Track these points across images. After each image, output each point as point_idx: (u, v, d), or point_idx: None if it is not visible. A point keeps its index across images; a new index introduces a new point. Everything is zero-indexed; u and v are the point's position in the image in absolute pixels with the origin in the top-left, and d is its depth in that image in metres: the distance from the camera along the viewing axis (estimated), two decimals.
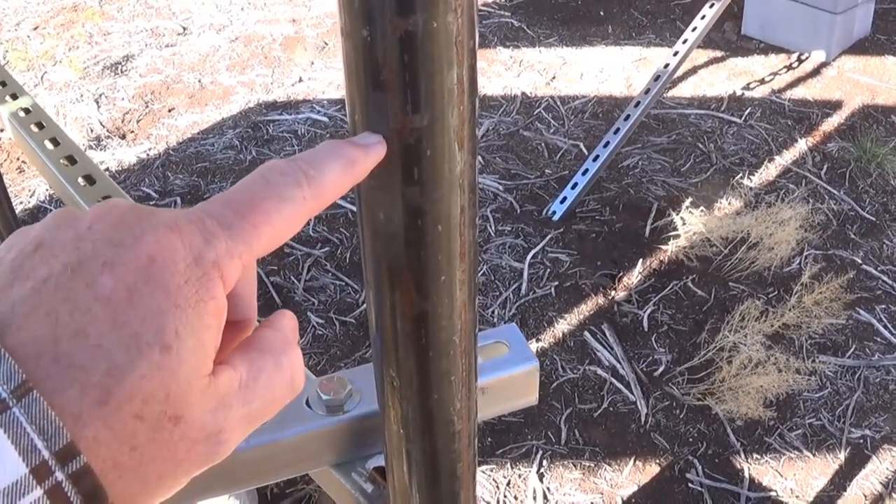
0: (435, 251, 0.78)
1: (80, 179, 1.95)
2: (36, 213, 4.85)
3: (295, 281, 4.48)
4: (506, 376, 1.32)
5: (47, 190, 4.97)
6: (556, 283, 4.52)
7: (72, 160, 1.99)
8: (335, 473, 1.31)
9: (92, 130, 5.52)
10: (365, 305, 4.31)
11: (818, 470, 3.78)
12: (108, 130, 5.51)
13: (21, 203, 4.96)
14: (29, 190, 5.03)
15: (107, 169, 5.18)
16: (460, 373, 0.91)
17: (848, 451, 3.86)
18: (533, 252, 4.68)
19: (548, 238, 4.76)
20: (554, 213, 4.89)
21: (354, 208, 4.46)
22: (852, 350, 4.26)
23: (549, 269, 4.59)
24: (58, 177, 1.96)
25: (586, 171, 4.97)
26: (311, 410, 1.26)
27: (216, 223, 0.58)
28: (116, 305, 0.53)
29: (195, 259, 0.56)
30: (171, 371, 0.54)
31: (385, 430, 1.02)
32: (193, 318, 0.55)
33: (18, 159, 5.27)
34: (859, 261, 4.71)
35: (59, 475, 0.50)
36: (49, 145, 2.06)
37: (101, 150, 5.39)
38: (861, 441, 3.90)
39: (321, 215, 4.86)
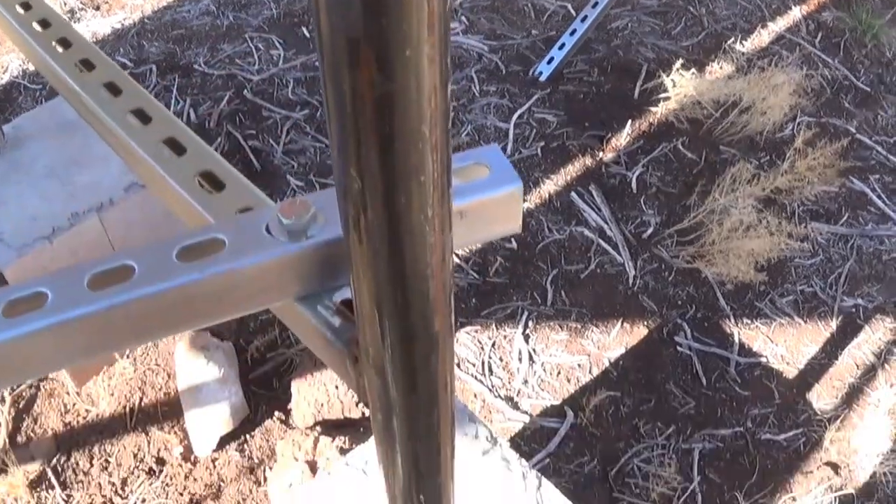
0: (398, 18, 0.64)
1: (54, 43, 1.82)
2: (9, 90, 4.65)
3: (274, 144, 4.32)
4: (486, 199, 1.19)
5: (21, 65, 4.77)
6: (543, 143, 4.38)
7: (45, 24, 1.85)
8: (300, 307, 1.19)
9: (66, 3, 5.31)
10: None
11: (809, 337, 3.70)
12: (81, 2, 5.30)
13: None
14: (2, 66, 4.82)
15: None
16: (431, 172, 0.77)
17: (840, 319, 3.78)
18: (519, 112, 4.53)
19: (534, 98, 4.61)
20: (541, 73, 4.74)
21: None
22: (845, 218, 4.16)
23: (535, 130, 4.45)
24: (32, 44, 1.82)
25: (574, 31, 4.82)
26: (272, 236, 1.13)
27: None
28: None
29: None
30: None
31: (348, 244, 0.88)
32: None
33: None
34: (853, 130, 4.60)
35: None
36: (20, 10, 1.92)
37: (75, 21, 5.18)
38: (853, 310, 3.82)
39: (300, 77, 4.69)
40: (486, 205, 1.19)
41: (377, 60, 0.66)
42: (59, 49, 1.80)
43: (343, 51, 0.67)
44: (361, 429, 3.17)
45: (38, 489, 3.14)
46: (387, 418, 1.12)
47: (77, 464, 3.21)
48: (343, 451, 3.04)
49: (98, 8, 5.27)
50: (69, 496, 3.13)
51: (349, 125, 0.73)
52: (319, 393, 3.20)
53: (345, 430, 3.17)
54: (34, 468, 3.19)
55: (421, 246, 0.85)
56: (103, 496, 3.13)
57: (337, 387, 3.23)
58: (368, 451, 2.49)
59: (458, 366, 3.49)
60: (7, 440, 3.25)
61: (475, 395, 3.42)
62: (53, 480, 3.16)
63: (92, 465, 3.21)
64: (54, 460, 3.21)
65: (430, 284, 0.91)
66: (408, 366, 1.01)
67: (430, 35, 0.67)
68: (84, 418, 3.31)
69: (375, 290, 0.91)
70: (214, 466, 3.20)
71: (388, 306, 0.92)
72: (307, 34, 4.96)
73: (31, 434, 3.27)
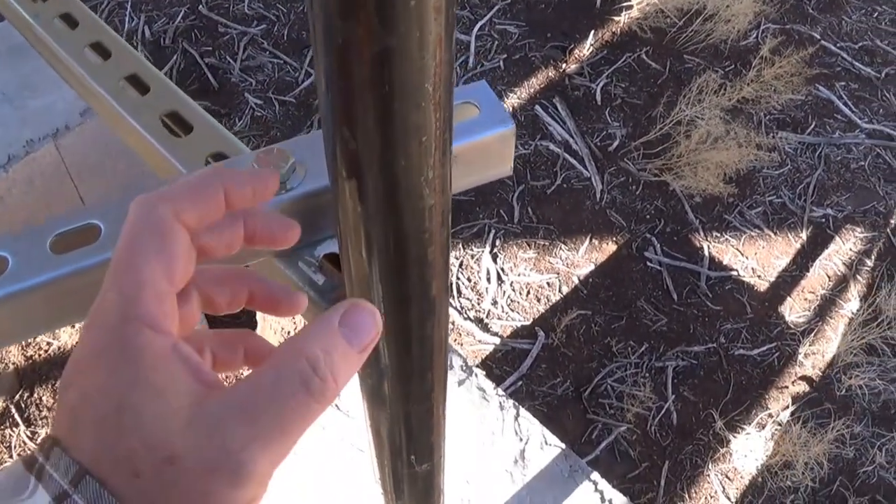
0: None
1: None
2: None
3: (231, 61, 4.21)
4: (477, 141, 1.11)
5: None
6: (505, 55, 4.30)
7: None
8: (279, 264, 1.12)
9: None
10: (308, 79, 4.08)
11: (780, 249, 3.67)
12: None
13: None
14: None
15: None
16: (433, 131, 0.69)
17: (810, 230, 3.75)
18: (480, 24, 4.44)
19: (495, 9, 4.52)
20: None
21: None
22: (812, 127, 4.11)
23: (496, 42, 4.37)
24: None
25: None
26: None
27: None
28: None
29: None
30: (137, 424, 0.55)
31: (338, 208, 0.81)
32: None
33: None
34: (818, 36, 4.54)
35: None
36: None
37: None
38: (823, 220, 3.78)
39: None
40: (477, 147, 1.12)
41: (377, 11, 0.59)
42: None
43: (338, 1, 0.59)
44: None
45: (2, 427, 3.08)
46: (378, 383, 1.06)
47: (41, 399, 3.15)
48: None
49: None
50: (34, 433, 3.07)
51: (343, 82, 0.65)
52: (285, 320, 3.15)
53: None
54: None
55: (420, 209, 0.78)
56: None
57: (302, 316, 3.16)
58: (348, 391, 2.44)
59: None
60: None
61: None
62: (17, 417, 3.10)
63: (55, 401, 3.14)
64: (17, 396, 3.14)
65: (428, 249, 0.84)
66: (403, 331, 0.95)
67: None
68: (46, 352, 3.25)
69: (369, 257, 0.84)
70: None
71: (383, 272, 0.85)
72: None
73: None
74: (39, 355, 3.23)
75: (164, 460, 0.54)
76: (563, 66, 4.28)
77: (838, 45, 4.52)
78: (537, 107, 4.06)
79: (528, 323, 3.39)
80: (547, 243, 3.61)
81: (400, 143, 0.69)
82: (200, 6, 4.44)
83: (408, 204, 0.77)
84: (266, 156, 1.05)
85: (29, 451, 0.58)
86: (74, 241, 1.04)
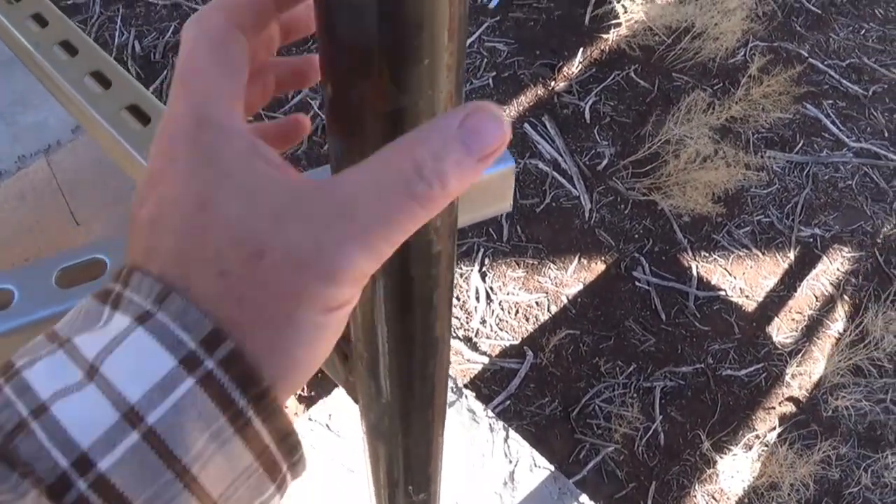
0: (417, 27, 0.57)
1: None
2: None
3: None
4: (478, 180, 1.12)
5: None
6: (494, 73, 4.31)
7: None
8: None
9: None
10: (298, 95, 4.08)
11: (767, 269, 3.68)
12: None
13: None
14: None
15: None
16: None
17: (797, 249, 3.77)
18: (469, 42, 4.45)
19: (484, 27, 4.53)
20: (489, 0, 4.66)
21: None
22: (800, 145, 4.13)
23: (486, 59, 4.38)
24: None
25: None
26: None
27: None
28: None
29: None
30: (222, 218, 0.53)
31: None
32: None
33: None
34: (806, 54, 4.56)
35: (209, 363, 0.51)
36: None
37: None
38: (810, 240, 3.80)
39: None
40: (479, 186, 1.13)
41: (391, 72, 0.59)
42: None
43: (352, 61, 0.60)
44: (320, 375, 3.11)
45: None
46: (378, 418, 1.06)
47: None
48: (301, 399, 2.99)
49: None
50: None
51: (356, 142, 0.66)
52: None
53: None
54: None
55: (428, 256, 0.79)
56: None
57: None
58: (331, 404, 2.44)
59: None
60: None
61: None
62: None
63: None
64: None
65: (434, 292, 0.85)
66: (405, 371, 0.95)
67: (451, 41, 0.60)
68: None
69: (374, 299, 0.85)
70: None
71: (388, 314, 0.86)
72: None
73: None
74: None
75: (252, 255, 0.52)
76: (552, 84, 4.29)
77: (826, 62, 4.54)
78: (526, 125, 4.07)
79: (516, 342, 3.40)
80: (536, 262, 3.62)
81: None
82: None
83: (417, 252, 0.77)
84: None
85: (102, 287, 0.56)
86: (80, 276, 1.04)
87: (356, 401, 1.10)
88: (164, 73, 4.18)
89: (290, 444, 0.56)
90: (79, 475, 0.48)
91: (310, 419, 2.39)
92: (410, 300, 0.84)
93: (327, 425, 2.39)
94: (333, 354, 1.08)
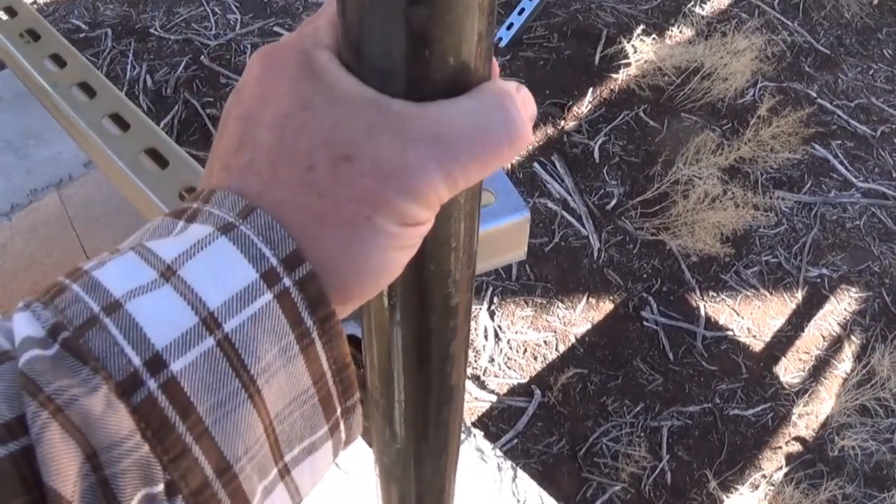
0: (444, 91, 0.58)
1: (22, 33, 1.73)
2: None
3: None
4: (493, 229, 1.14)
5: None
6: None
7: (10, 12, 1.76)
8: None
9: None
10: None
11: (775, 309, 3.69)
12: None
13: None
14: None
15: (34, 2, 4.86)
16: (462, 239, 0.72)
17: (805, 290, 3.77)
18: None
19: None
20: (500, 39, 4.68)
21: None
22: (808, 186, 4.14)
23: None
24: None
25: None
26: None
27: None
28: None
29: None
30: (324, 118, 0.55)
31: (367, 303, 0.83)
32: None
33: None
34: (814, 94, 4.58)
35: (287, 281, 0.53)
36: None
37: None
38: (818, 280, 3.80)
39: (258, 42, 4.62)
40: (494, 235, 1.14)
41: None
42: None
43: None
44: None
45: None
46: (393, 463, 1.08)
47: None
48: None
49: None
50: None
51: None
52: None
53: None
54: None
55: (445, 308, 0.81)
56: None
57: None
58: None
59: None
60: None
61: None
62: None
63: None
64: None
65: (451, 343, 0.86)
66: (420, 418, 0.97)
67: None
68: None
69: (392, 349, 0.86)
70: None
71: (406, 365, 0.87)
72: None
73: None
74: None
75: (342, 157, 0.55)
76: (562, 123, 4.31)
77: (834, 103, 4.56)
78: (535, 164, 4.09)
79: (524, 381, 3.40)
80: (544, 301, 3.63)
81: (431, 251, 0.71)
82: (202, 57, 4.47)
83: (435, 304, 0.79)
84: None
85: (175, 208, 0.58)
86: None
87: (370, 445, 1.11)
88: (176, 107, 4.20)
89: (346, 380, 0.59)
90: (150, 374, 0.49)
91: None
92: (429, 352, 0.86)
93: (336, 463, 2.39)
94: None
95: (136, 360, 0.48)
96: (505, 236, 1.15)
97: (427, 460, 1.06)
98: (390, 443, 1.03)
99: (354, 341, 1.11)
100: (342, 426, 0.60)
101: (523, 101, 0.60)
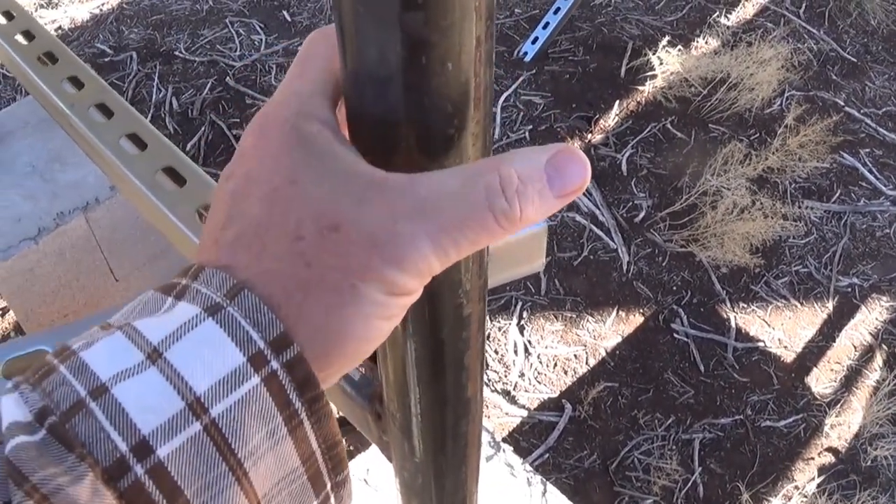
0: (443, 98, 0.58)
1: (18, 36, 1.74)
2: None
3: None
4: (510, 240, 1.12)
5: None
6: (531, 126, 4.33)
7: (28, 36, 1.77)
8: None
9: None
10: None
11: (806, 319, 3.66)
12: None
13: None
14: None
15: (59, 28, 4.90)
16: None
17: (836, 299, 3.74)
18: (505, 95, 4.47)
19: (520, 80, 4.55)
20: (525, 53, 4.68)
21: None
22: (838, 195, 4.12)
23: (522, 113, 4.40)
24: (8, 51, 1.74)
25: (558, 9, 4.74)
26: None
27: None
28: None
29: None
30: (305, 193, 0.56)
31: None
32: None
33: None
34: (842, 103, 4.55)
35: (275, 364, 0.52)
36: None
37: (52, 8, 5.09)
38: (849, 290, 3.78)
39: (283, 63, 4.64)
40: (510, 247, 1.13)
41: (418, 143, 0.60)
42: (23, 41, 1.74)
43: (379, 133, 0.61)
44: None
45: None
46: (412, 476, 1.07)
47: None
48: None
49: None
50: None
51: None
52: None
53: (343, 430, 3.11)
54: None
55: (458, 319, 0.80)
56: None
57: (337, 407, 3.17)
58: (369, 459, 2.44)
59: None
60: None
61: None
62: None
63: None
64: None
65: (465, 354, 0.86)
66: (438, 431, 0.96)
67: (476, 110, 0.61)
68: None
69: (406, 360, 0.85)
70: None
71: (420, 376, 0.87)
72: (288, 18, 4.90)
73: None
74: None
75: (330, 227, 0.55)
76: (589, 136, 4.30)
77: (862, 111, 4.53)
78: None
79: (555, 395, 3.39)
80: (574, 315, 3.62)
81: None
82: (228, 78, 4.49)
83: (446, 314, 0.78)
84: None
85: (165, 283, 0.58)
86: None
87: (390, 459, 1.10)
88: (202, 129, 4.22)
89: (335, 458, 0.58)
90: (137, 460, 0.49)
91: None
92: (442, 363, 0.85)
93: (365, 479, 2.39)
94: (366, 414, 1.08)
95: (123, 446, 0.49)
96: (522, 247, 1.14)
97: (447, 474, 1.05)
98: (409, 456, 1.02)
99: (370, 356, 1.10)
100: (332, 499, 0.60)
101: (526, 181, 0.58)
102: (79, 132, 1.53)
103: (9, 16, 1.82)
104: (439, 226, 0.55)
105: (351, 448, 2.96)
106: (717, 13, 5.00)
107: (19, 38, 1.75)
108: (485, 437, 2.42)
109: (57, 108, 1.57)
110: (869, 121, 4.48)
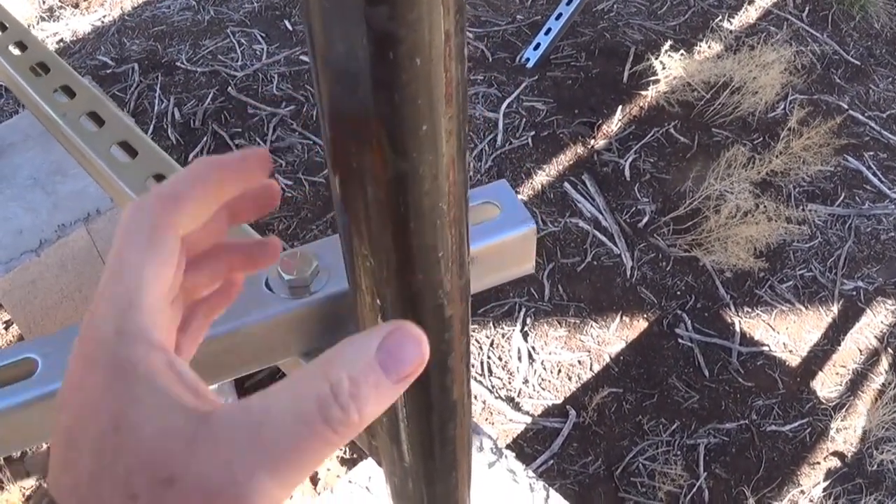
0: (413, 94, 0.57)
1: (11, 47, 1.74)
2: None
3: (261, 142, 4.25)
4: (498, 242, 1.12)
5: None
6: (533, 132, 4.32)
7: (21, 46, 1.77)
8: (302, 362, 1.12)
9: (45, 1, 5.23)
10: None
11: (811, 323, 3.65)
12: (60, 0, 5.22)
13: None
14: None
15: (61, 40, 4.91)
16: (449, 247, 0.71)
17: (841, 303, 3.73)
18: (508, 101, 4.47)
19: (522, 86, 4.55)
20: (528, 59, 4.67)
21: None
22: (842, 198, 4.11)
23: (525, 119, 4.39)
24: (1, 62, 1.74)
25: (560, 15, 4.74)
26: (273, 293, 1.06)
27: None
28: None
29: None
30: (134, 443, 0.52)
31: (358, 317, 0.82)
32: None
33: None
34: (846, 106, 4.55)
35: None
36: None
37: (54, 20, 5.10)
38: (854, 293, 3.77)
39: (285, 72, 4.63)
40: (499, 248, 1.12)
41: (389, 139, 0.60)
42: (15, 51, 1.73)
43: (351, 130, 0.61)
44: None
45: None
46: (402, 482, 1.06)
47: None
48: (343, 462, 2.99)
49: (77, 5, 5.20)
50: None
51: (359, 205, 0.66)
52: None
53: None
54: (30, 484, 3.14)
55: (439, 320, 0.79)
56: None
57: None
58: (371, 466, 2.44)
59: None
60: (1, 456, 3.19)
61: (475, 397, 3.37)
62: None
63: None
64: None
65: (449, 356, 0.85)
66: (425, 435, 0.95)
67: (448, 106, 0.60)
68: None
69: None
70: None
71: None
72: (290, 27, 4.90)
73: (26, 449, 3.21)
74: None
75: (164, 482, 0.51)
76: (592, 142, 4.29)
77: (866, 114, 4.52)
78: (566, 183, 4.08)
79: (559, 401, 3.38)
80: (577, 321, 3.61)
81: (417, 260, 0.70)
82: (229, 88, 4.49)
83: (427, 315, 0.78)
84: (290, 259, 1.06)
85: None
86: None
87: (380, 464, 1.09)
88: (204, 139, 4.22)
89: None
90: None
91: (350, 482, 2.38)
92: (425, 368, 0.84)
93: (367, 487, 2.38)
94: None
95: None
96: (511, 249, 1.14)
97: (437, 479, 1.05)
98: (398, 462, 1.02)
99: None
100: None
101: (358, 381, 0.54)
102: (71, 142, 1.52)
103: (2, 27, 1.82)
104: (277, 455, 0.52)
105: (354, 456, 2.95)
106: (720, 17, 5.00)
107: (12, 48, 1.75)
108: (487, 444, 2.42)
109: (49, 117, 1.57)
110: (873, 124, 4.47)
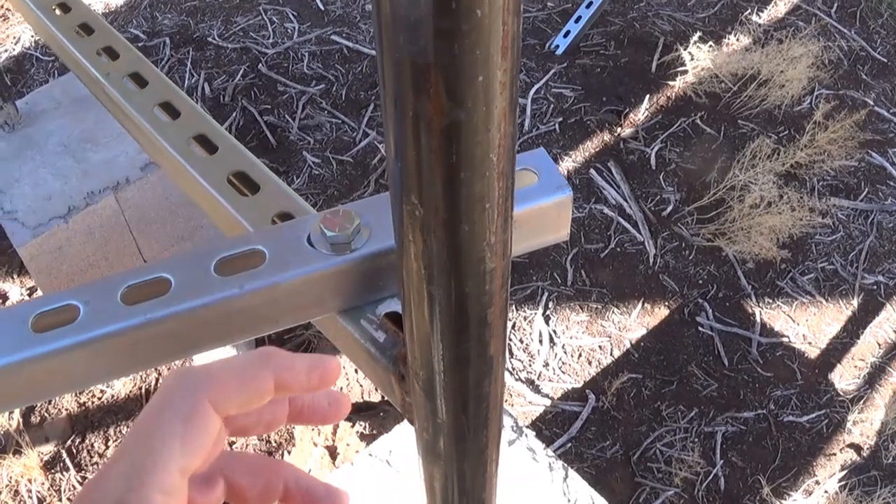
0: (472, 44, 0.59)
1: (55, 8, 1.76)
2: (21, 61, 4.62)
3: (290, 120, 4.27)
4: (535, 207, 1.14)
5: (32, 36, 4.74)
6: (561, 118, 4.33)
7: (65, 8, 1.79)
8: (342, 321, 1.14)
9: None
10: (365, 139, 4.12)
11: (831, 316, 3.66)
12: None
13: (6, 51, 4.73)
14: (14, 37, 4.79)
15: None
16: (496, 199, 0.73)
17: (861, 297, 3.74)
18: (536, 87, 4.48)
19: (551, 73, 4.56)
20: (557, 46, 4.68)
21: (350, 44, 4.21)
22: (865, 193, 4.11)
23: (552, 105, 4.40)
24: (45, 22, 1.76)
25: (590, 3, 4.75)
26: (314, 249, 1.08)
27: None
28: None
29: None
30: None
31: (402, 269, 0.83)
32: None
33: (2, 7, 5.01)
34: (871, 102, 4.54)
35: None
36: None
37: None
38: (874, 287, 3.77)
39: (315, 51, 4.64)
40: (536, 213, 1.14)
41: (447, 87, 0.61)
42: (82, 34, 1.75)
43: (410, 77, 0.62)
44: (381, 413, 3.14)
45: (53, 471, 3.12)
46: (434, 438, 1.08)
47: (92, 445, 3.19)
48: (363, 437, 3.00)
49: None
50: (84, 478, 3.11)
51: (412, 152, 0.68)
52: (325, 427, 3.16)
53: (365, 414, 3.13)
54: (49, 449, 3.17)
55: (482, 273, 0.81)
56: None
57: (356, 370, 3.19)
58: (391, 440, 2.45)
59: None
60: (21, 421, 3.22)
61: None
62: (68, 462, 3.14)
63: (107, 447, 3.18)
64: (69, 441, 3.19)
65: (488, 310, 0.87)
66: (460, 390, 0.97)
67: (504, 59, 0.62)
68: (99, 399, 3.29)
69: (430, 317, 0.86)
70: (231, 450, 3.17)
71: (444, 332, 0.88)
72: (321, 6, 4.91)
73: (46, 415, 3.24)
74: (93, 402, 3.27)
75: None
76: (618, 130, 4.30)
77: (891, 110, 4.52)
78: (592, 170, 4.09)
79: (578, 385, 3.40)
80: (599, 307, 3.63)
81: (465, 210, 0.72)
82: (260, 65, 4.51)
83: (470, 267, 0.79)
84: (332, 217, 1.07)
85: None
86: (145, 293, 1.06)
87: (412, 422, 1.11)
88: (234, 115, 4.24)
89: None
90: None
91: (370, 455, 2.40)
92: (465, 318, 0.86)
93: (387, 461, 2.40)
94: (390, 376, 1.09)
95: None
96: (547, 215, 1.15)
97: (469, 436, 1.06)
98: (431, 417, 1.03)
99: (395, 318, 1.11)
100: None
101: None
102: (113, 101, 1.54)
103: None
104: None
105: (374, 432, 2.97)
106: (749, 10, 5.00)
107: (56, 10, 1.77)
108: (507, 422, 2.43)
109: (92, 78, 1.59)
110: None
